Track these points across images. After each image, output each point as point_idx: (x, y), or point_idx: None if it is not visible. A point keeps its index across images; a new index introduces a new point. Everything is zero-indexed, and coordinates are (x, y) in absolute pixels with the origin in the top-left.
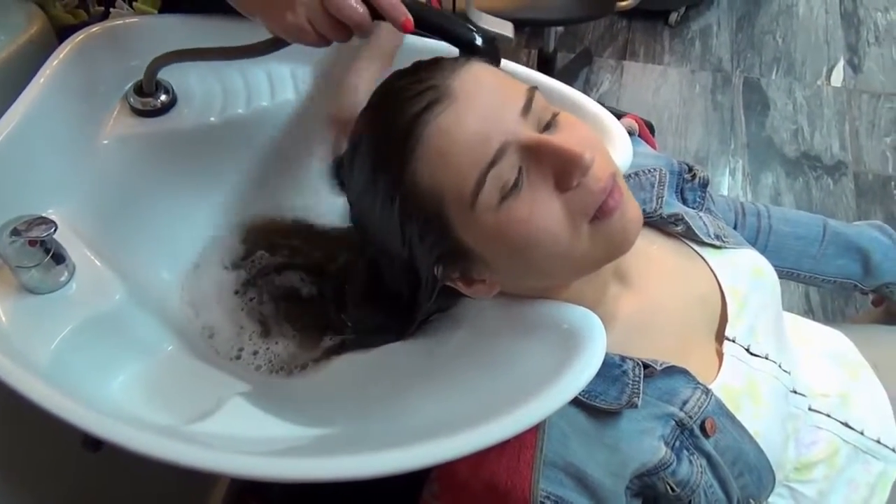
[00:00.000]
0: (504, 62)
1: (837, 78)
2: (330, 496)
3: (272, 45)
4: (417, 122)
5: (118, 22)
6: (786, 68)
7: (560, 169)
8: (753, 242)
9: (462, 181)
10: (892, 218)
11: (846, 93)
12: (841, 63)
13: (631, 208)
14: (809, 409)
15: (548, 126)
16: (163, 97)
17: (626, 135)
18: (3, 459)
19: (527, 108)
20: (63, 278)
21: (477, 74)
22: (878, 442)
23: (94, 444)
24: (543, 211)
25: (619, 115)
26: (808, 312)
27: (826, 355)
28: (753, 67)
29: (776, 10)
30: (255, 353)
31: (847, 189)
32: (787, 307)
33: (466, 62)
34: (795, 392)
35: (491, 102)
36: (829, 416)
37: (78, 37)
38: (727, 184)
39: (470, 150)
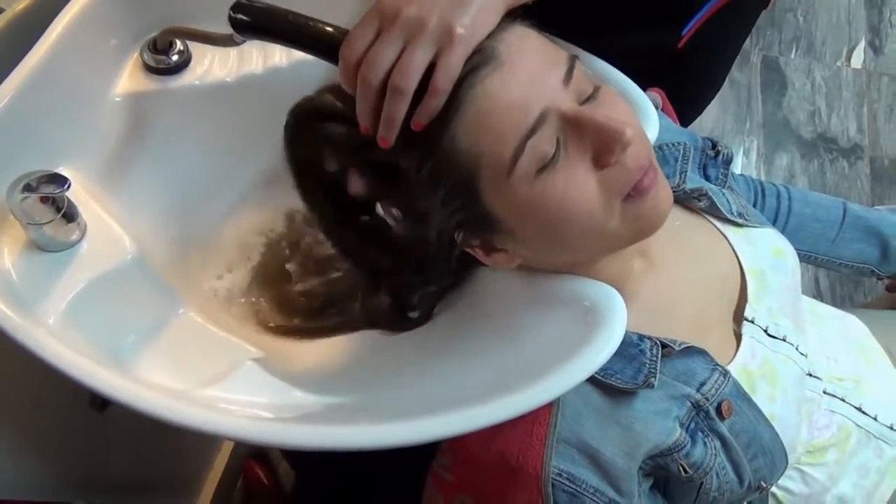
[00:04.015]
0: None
1: (858, 59)
2: (338, 464)
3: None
4: (461, 85)
5: None
6: (805, 48)
7: (600, 145)
8: (772, 223)
9: (501, 147)
10: None
11: (866, 74)
12: (862, 44)
13: (663, 188)
14: (824, 392)
15: (588, 99)
16: (176, 55)
17: (654, 109)
18: (9, 416)
19: (568, 75)
20: (74, 237)
21: (522, 38)
22: (892, 428)
23: (101, 404)
24: (579, 186)
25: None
26: (817, 297)
27: (841, 339)
28: (773, 45)
29: None
30: (269, 323)
31: (862, 173)
32: None
33: (511, 23)
34: (811, 375)
35: (534, 68)
36: (843, 400)
37: None
38: (741, 163)
39: (511, 116)
